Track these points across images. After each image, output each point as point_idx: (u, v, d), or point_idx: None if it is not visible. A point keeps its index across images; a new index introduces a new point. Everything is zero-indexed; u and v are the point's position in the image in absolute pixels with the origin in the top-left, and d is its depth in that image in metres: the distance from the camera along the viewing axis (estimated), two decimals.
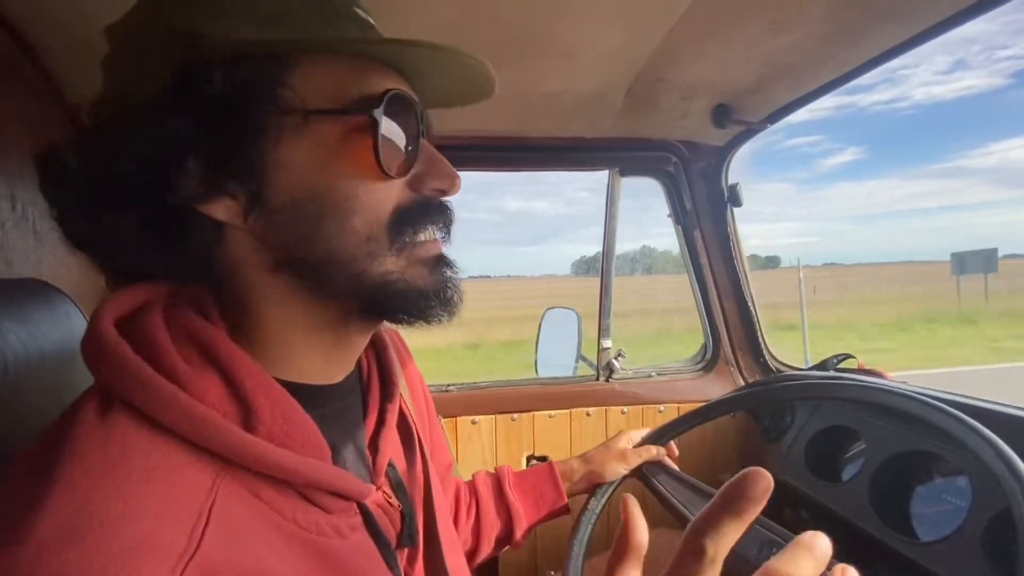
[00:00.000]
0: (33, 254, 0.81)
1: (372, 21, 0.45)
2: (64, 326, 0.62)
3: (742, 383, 1.49)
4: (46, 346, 0.58)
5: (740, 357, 1.50)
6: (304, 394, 0.42)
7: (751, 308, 1.47)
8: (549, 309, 1.90)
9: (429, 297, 0.44)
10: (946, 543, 0.80)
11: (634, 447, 0.97)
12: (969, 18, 0.83)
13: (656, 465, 0.97)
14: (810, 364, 1.44)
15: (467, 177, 0.49)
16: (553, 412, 1.41)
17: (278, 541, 0.37)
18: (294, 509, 0.39)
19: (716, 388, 1.48)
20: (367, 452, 0.52)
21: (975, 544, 0.77)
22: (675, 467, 0.95)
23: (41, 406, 0.55)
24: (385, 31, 0.46)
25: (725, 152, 1.40)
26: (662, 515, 0.87)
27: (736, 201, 1.42)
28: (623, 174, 1.44)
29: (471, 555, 0.85)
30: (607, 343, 1.48)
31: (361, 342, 0.51)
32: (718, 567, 0.28)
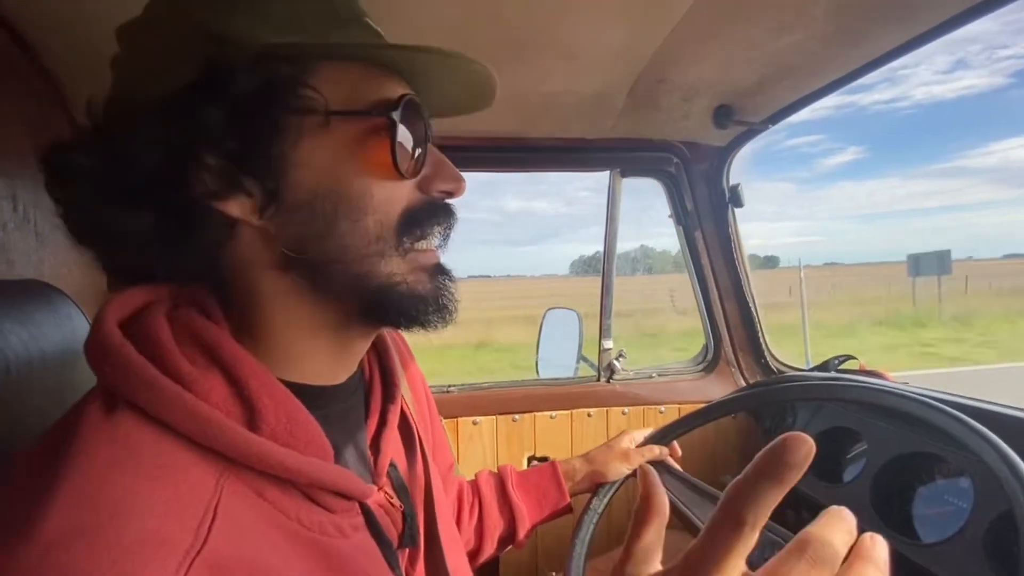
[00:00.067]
0: (34, 255, 0.81)
1: (378, 29, 0.47)
2: (65, 327, 0.62)
3: (743, 384, 1.49)
4: (47, 347, 0.58)
5: (741, 358, 1.50)
6: (307, 394, 0.42)
7: (752, 309, 1.47)
8: (550, 309, 1.90)
9: (428, 303, 0.46)
10: (948, 544, 0.80)
11: (637, 447, 0.97)
12: (971, 19, 0.83)
13: (658, 465, 0.97)
14: (811, 365, 1.44)
15: (468, 178, 0.49)
16: (554, 413, 1.41)
17: (282, 540, 0.37)
18: (297, 508, 0.39)
19: (717, 389, 1.48)
20: (369, 453, 0.52)
21: (977, 546, 0.77)
22: (677, 467, 0.95)
23: (43, 407, 0.55)
24: (387, 32, 0.48)
25: (726, 153, 1.40)
26: None
27: (737, 202, 1.42)
28: (624, 175, 1.44)
29: (474, 555, 0.85)
30: (608, 344, 1.48)
31: (363, 345, 0.51)
32: (755, 534, 0.26)
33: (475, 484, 0.89)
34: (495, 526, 0.85)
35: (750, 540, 0.26)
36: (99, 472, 0.32)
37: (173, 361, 0.37)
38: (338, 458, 0.44)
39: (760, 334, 1.47)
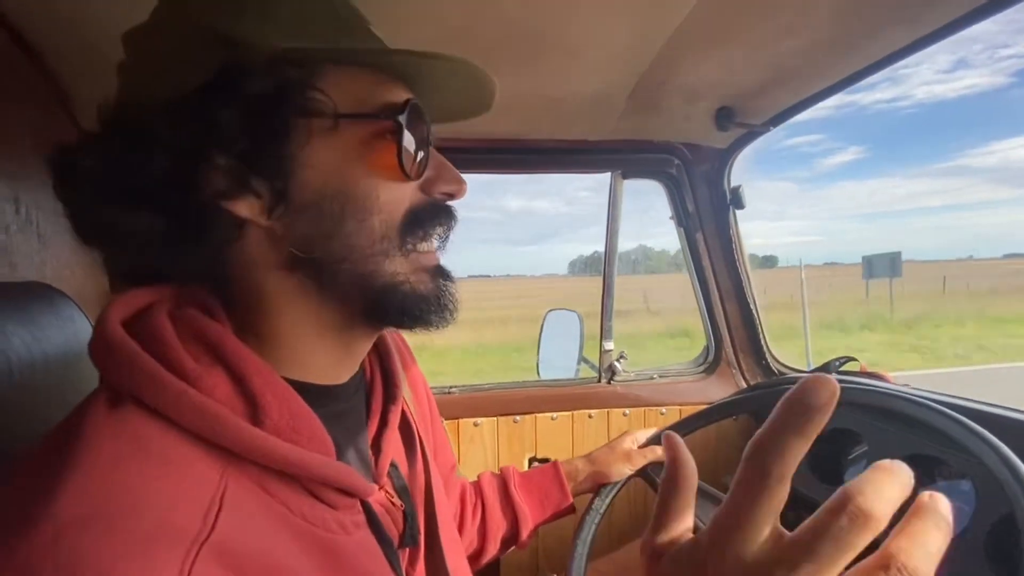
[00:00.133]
0: (37, 257, 0.81)
1: (379, 34, 0.48)
2: (68, 329, 0.62)
3: (744, 385, 1.49)
4: (50, 349, 0.58)
5: (742, 359, 1.50)
6: (310, 393, 0.43)
7: (753, 310, 1.47)
8: (551, 311, 1.89)
9: (430, 303, 0.47)
10: (949, 547, 0.80)
11: (639, 447, 0.97)
12: (973, 22, 0.82)
13: (660, 465, 0.97)
14: (812, 367, 1.44)
15: (470, 178, 0.50)
16: (555, 414, 1.41)
17: (285, 534, 0.38)
18: (300, 503, 0.40)
19: (718, 390, 1.48)
20: (370, 453, 0.52)
21: (978, 548, 0.77)
22: None
23: (45, 408, 0.56)
24: (390, 33, 0.49)
25: (727, 155, 1.40)
26: None
27: (738, 203, 1.42)
28: (625, 176, 1.44)
29: (477, 556, 0.85)
30: (609, 345, 1.48)
31: (365, 345, 0.52)
32: (785, 488, 0.25)
33: (478, 485, 0.89)
34: (498, 527, 0.86)
35: (779, 494, 0.25)
36: (106, 465, 0.32)
37: (177, 358, 0.38)
38: (340, 457, 0.45)
39: (761, 335, 1.47)
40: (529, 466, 1.40)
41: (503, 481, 0.90)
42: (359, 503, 0.46)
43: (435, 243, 0.49)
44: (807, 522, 0.24)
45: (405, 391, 0.60)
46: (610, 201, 1.46)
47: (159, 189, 0.40)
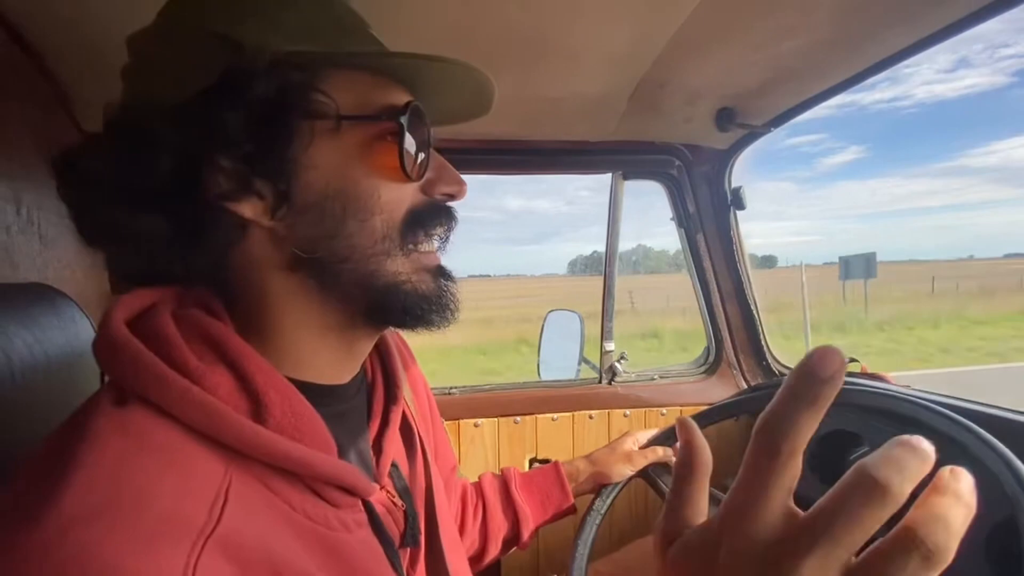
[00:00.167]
0: (39, 258, 0.81)
1: (379, 37, 0.49)
2: (69, 330, 0.62)
3: (745, 386, 1.49)
4: (52, 350, 0.58)
5: (743, 360, 1.50)
6: (312, 392, 0.43)
7: (754, 311, 1.47)
8: (552, 311, 1.89)
9: (432, 302, 0.47)
10: None
11: (640, 448, 0.97)
12: (976, 23, 0.82)
13: (662, 466, 0.98)
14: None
15: (470, 178, 0.50)
16: (556, 415, 1.41)
17: (288, 530, 0.38)
18: (303, 501, 0.40)
19: (719, 391, 1.48)
20: (371, 453, 0.53)
21: (978, 551, 0.77)
22: None
23: (47, 409, 0.56)
24: (391, 35, 0.49)
25: (728, 156, 1.40)
26: None
27: (739, 204, 1.42)
28: (626, 177, 1.44)
29: (479, 557, 0.85)
30: (610, 346, 1.48)
31: (367, 345, 0.52)
32: (797, 464, 0.24)
33: (479, 486, 0.89)
34: (499, 527, 0.86)
35: (790, 470, 0.24)
36: (111, 461, 0.32)
37: (181, 356, 0.38)
38: (341, 456, 0.45)
39: (762, 336, 1.47)
40: (530, 467, 1.39)
41: (504, 482, 0.90)
42: (360, 502, 0.46)
43: (436, 243, 0.49)
44: (822, 499, 0.23)
45: (406, 391, 0.61)
46: (611, 202, 1.46)
47: (164, 190, 0.40)
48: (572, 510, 0.92)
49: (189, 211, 0.41)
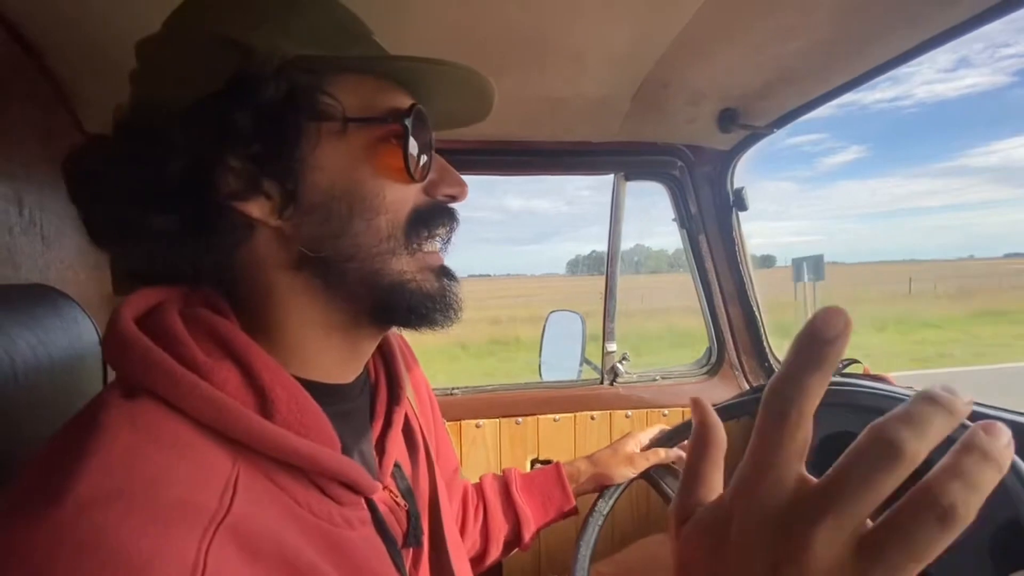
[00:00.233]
0: (40, 259, 0.81)
1: (381, 43, 0.50)
2: (72, 331, 0.62)
3: (747, 387, 1.49)
4: (54, 351, 0.58)
5: (745, 361, 1.50)
6: (316, 391, 0.44)
7: (756, 312, 1.47)
8: (553, 312, 1.89)
9: (436, 301, 0.48)
10: (953, 551, 0.79)
11: (642, 449, 0.97)
12: (978, 25, 0.82)
13: (664, 468, 0.97)
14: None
15: (471, 178, 0.51)
16: (557, 416, 1.41)
17: (293, 525, 0.38)
18: (307, 496, 0.41)
19: (721, 392, 1.48)
20: (373, 453, 0.53)
21: (983, 552, 0.77)
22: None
23: (50, 409, 0.56)
24: (393, 35, 0.51)
25: (731, 156, 1.40)
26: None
27: (741, 205, 1.42)
28: (628, 178, 1.44)
29: (480, 558, 0.85)
30: (611, 347, 1.48)
31: (371, 344, 0.53)
32: (807, 429, 0.23)
33: (479, 487, 0.89)
34: (500, 529, 0.86)
35: (800, 436, 0.23)
36: (123, 450, 0.33)
37: (190, 353, 0.39)
38: (345, 454, 0.45)
39: (764, 337, 1.47)
40: (531, 468, 1.39)
41: (505, 483, 0.90)
42: (364, 501, 0.47)
43: (439, 244, 0.50)
44: (835, 464, 0.22)
45: (409, 393, 0.61)
46: (613, 203, 1.46)
47: (176, 190, 0.41)
48: (574, 511, 0.92)
49: (198, 210, 0.42)
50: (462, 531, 0.83)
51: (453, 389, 1.41)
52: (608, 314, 1.48)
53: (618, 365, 1.47)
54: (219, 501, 0.33)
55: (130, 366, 0.38)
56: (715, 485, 0.30)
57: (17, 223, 0.75)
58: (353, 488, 0.44)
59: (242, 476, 0.36)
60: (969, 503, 0.20)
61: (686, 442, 0.97)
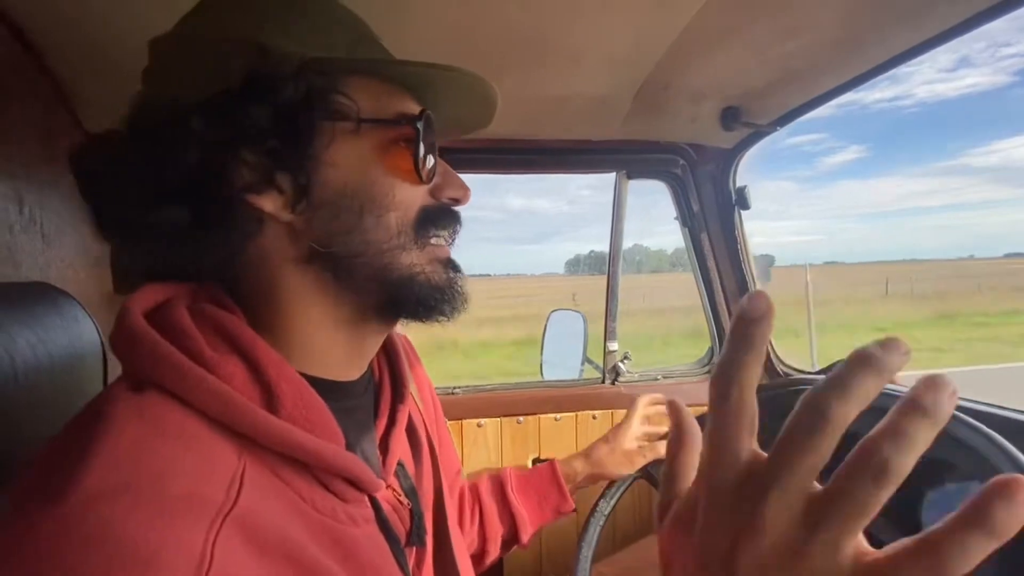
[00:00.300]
0: (41, 257, 0.81)
1: (386, 39, 0.52)
2: (72, 329, 0.62)
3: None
4: (54, 349, 0.57)
5: None
6: (321, 387, 0.44)
7: None
8: (554, 311, 1.89)
9: (444, 293, 0.49)
10: None
11: (639, 447, 0.97)
12: (981, 23, 0.82)
13: (662, 465, 0.97)
14: (817, 368, 1.43)
15: (472, 177, 0.52)
16: (559, 415, 1.41)
17: (297, 520, 0.38)
18: (311, 492, 0.41)
19: None
20: (377, 451, 0.53)
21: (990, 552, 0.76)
22: None
23: (50, 408, 0.55)
24: (393, 34, 0.52)
25: (733, 155, 1.39)
26: None
27: (744, 204, 1.41)
28: (630, 177, 1.44)
29: (479, 557, 0.85)
30: (613, 346, 1.48)
31: (376, 341, 0.53)
32: (750, 406, 0.25)
33: (474, 488, 0.89)
34: (496, 530, 0.86)
35: (745, 410, 0.25)
36: (130, 443, 0.33)
37: (197, 347, 0.39)
38: (349, 451, 0.45)
39: None
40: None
41: (500, 484, 0.90)
42: (367, 499, 0.47)
43: (447, 239, 0.52)
44: (778, 435, 0.24)
45: (412, 391, 0.61)
46: (615, 201, 1.46)
47: (190, 182, 0.42)
48: (571, 510, 0.92)
49: (211, 202, 0.43)
50: (460, 531, 0.83)
51: (454, 388, 1.41)
52: (610, 313, 1.48)
53: (620, 364, 1.47)
54: (226, 494, 0.34)
55: (138, 359, 0.38)
56: (691, 480, 0.31)
57: (17, 221, 0.75)
58: (356, 485, 0.44)
59: (248, 470, 0.36)
60: (901, 459, 0.21)
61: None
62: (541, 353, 1.79)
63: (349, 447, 0.45)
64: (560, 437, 1.40)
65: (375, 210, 0.45)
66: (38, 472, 0.33)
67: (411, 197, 0.48)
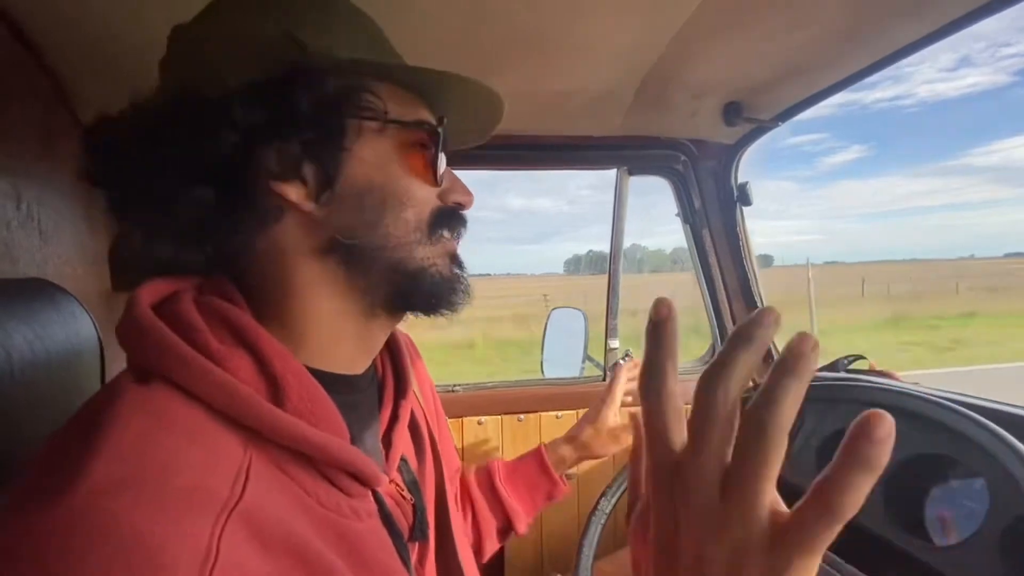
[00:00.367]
0: (38, 253, 0.80)
1: (389, 33, 0.54)
2: (69, 326, 0.61)
3: (750, 384, 1.48)
4: (52, 346, 0.57)
5: None
6: (325, 380, 0.44)
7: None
8: (555, 309, 1.89)
9: (453, 285, 0.51)
10: (963, 548, 0.79)
11: (623, 423, 0.98)
12: (984, 16, 0.81)
13: None
14: (820, 365, 1.43)
15: (472, 176, 0.53)
16: (560, 413, 1.41)
17: (302, 514, 0.39)
18: (315, 486, 0.41)
19: None
20: (380, 446, 0.53)
21: (993, 549, 0.76)
22: None
23: (47, 406, 0.55)
24: (397, 32, 0.54)
25: (735, 151, 1.39)
26: None
27: (745, 200, 1.40)
28: (631, 173, 1.43)
29: (477, 549, 0.86)
30: (614, 343, 1.47)
31: (382, 336, 0.54)
32: (673, 401, 0.28)
33: (464, 481, 0.89)
34: (489, 522, 0.87)
35: (667, 401, 0.27)
36: (136, 436, 0.33)
37: (203, 340, 0.39)
38: (353, 445, 0.45)
39: None
40: None
41: (488, 475, 0.91)
42: (371, 493, 0.47)
43: (455, 238, 0.53)
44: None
45: (414, 387, 0.61)
46: (616, 198, 1.45)
47: (222, 165, 0.43)
48: (564, 493, 0.93)
49: (237, 188, 0.44)
50: None
51: (455, 386, 1.41)
52: (611, 311, 1.48)
53: (620, 362, 1.46)
54: (231, 488, 0.34)
55: (145, 351, 0.38)
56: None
57: (15, 217, 0.75)
58: (360, 479, 0.44)
59: (254, 464, 0.37)
60: (772, 414, 0.24)
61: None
62: (542, 351, 1.79)
63: (353, 441, 0.45)
64: (561, 434, 1.40)
65: (396, 206, 0.47)
66: (44, 465, 0.33)
67: (426, 197, 0.50)
